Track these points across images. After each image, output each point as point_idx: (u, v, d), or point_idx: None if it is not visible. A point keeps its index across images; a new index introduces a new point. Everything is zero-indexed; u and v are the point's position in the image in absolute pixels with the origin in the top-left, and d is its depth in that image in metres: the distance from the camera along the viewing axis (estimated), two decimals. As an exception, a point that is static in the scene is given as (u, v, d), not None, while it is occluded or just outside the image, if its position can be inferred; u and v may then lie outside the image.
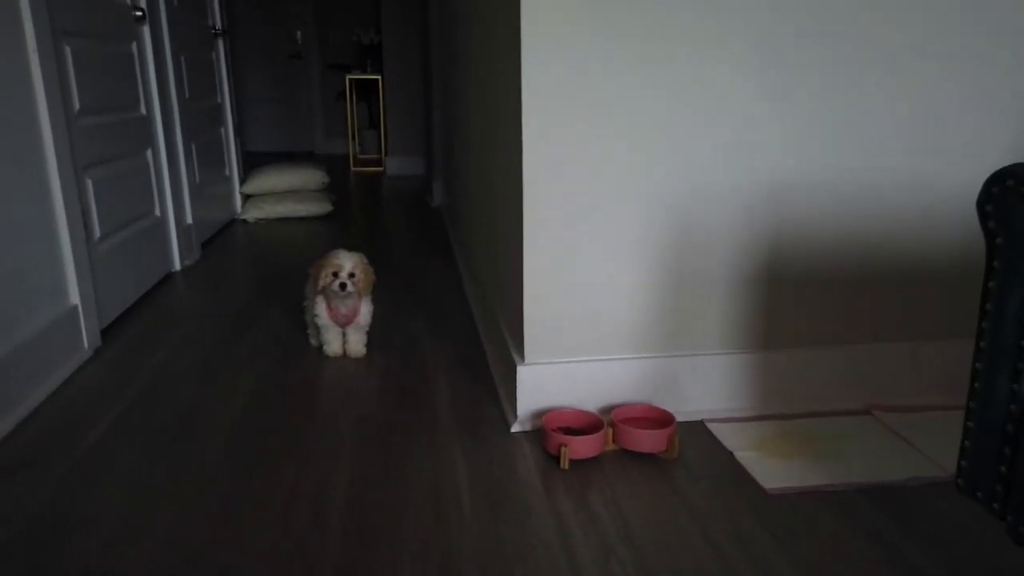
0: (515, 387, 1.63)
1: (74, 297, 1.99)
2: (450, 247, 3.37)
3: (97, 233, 2.18)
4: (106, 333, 2.19)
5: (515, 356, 1.66)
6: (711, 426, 1.63)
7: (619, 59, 1.48)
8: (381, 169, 6.04)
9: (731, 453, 1.53)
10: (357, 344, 2.05)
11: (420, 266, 3.04)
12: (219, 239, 3.51)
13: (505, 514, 1.32)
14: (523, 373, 1.62)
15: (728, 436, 1.59)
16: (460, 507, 1.34)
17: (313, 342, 2.12)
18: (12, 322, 1.70)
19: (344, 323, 2.03)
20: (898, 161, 1.62)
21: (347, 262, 1.95)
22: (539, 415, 1.62)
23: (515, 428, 1.64)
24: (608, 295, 1.61)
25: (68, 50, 2.05)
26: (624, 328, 1.64)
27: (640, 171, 1.55)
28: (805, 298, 1.68)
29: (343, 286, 1.92)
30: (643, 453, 1.52)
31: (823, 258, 1.66)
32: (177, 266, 2.91)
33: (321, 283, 1.95)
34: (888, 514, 1.32)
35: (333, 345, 2.04)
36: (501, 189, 1.87)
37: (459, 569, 1.18)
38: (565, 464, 1.47)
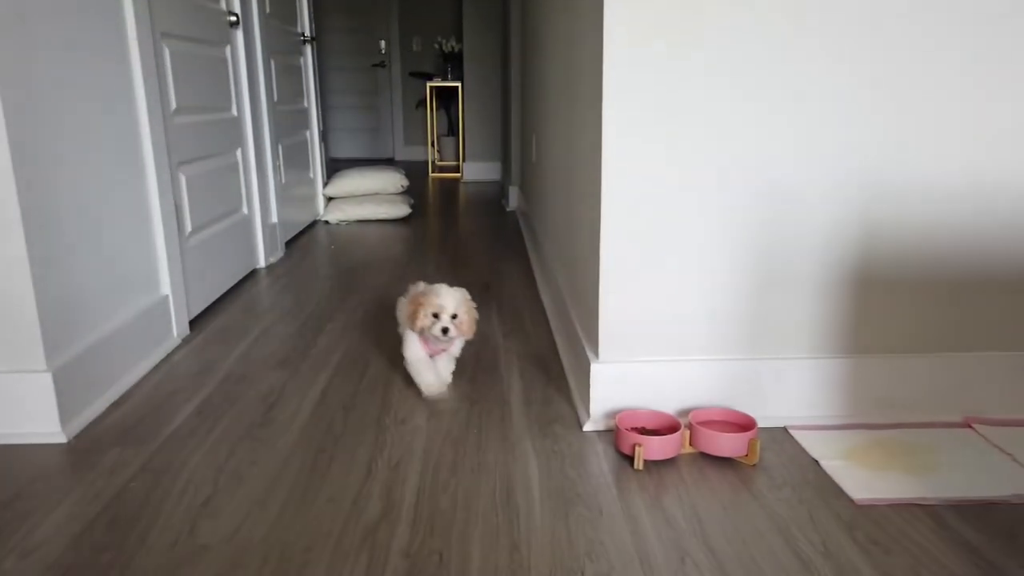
0: (589, 385, 1.61)
1: (165, 287, 2.07)
2: (525, 249, 3.37)
3: (188, 227, 2.27)
4: (194, 323, 2.28)
5: (589, 354, 1.64)
6: (795, 433, 1.56)
7: (701, 48, 1.44)
8: (459, 175, 6.11)
9: (816, 461, 1.46)
10: (445, 371, 1.83)
11: (495, 266, 3.05)
12: (302, 239, 3.61)
13: (577, 511, 1.30)
14: (597, 371, 1.59)
15: (813, 444, 1.52)
16: (531, 502, 1.32)
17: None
18: (108, 308, 1.78)
19: (435, 354, 1.83)
20: (1005, 160, 1.52)
21: (450, 302, 1.71)
22: (613, 415, 1.59)
23: (588, 427, 1.61)
24: (687, 294, 1.57)
25: (167, 51, 2.15)
26: (704, 328, 1.59)
27: (724, 166, 1.50)
28: (899, 302, 1.59)
29: (445, 331, 1.70)
30: (722, 457, 1.47)
31: (920, 260, 1.57)
32: (262, 263, 3.00)
33: (419, 324, 1.72)
34: (988, 531, 1.23)
35: (427, 378, 1.77)
36: (579, 188, 1.85)
37: (528, 562, 1.16)
38: (639, 464, 1.43)
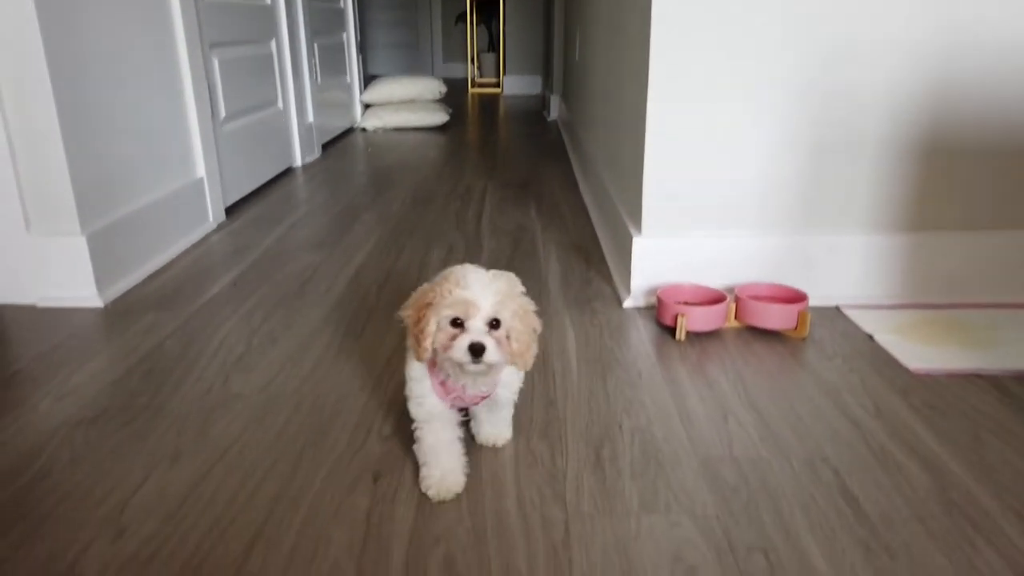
0: (630, 262, 1.54)
1: (200, 170, 2.05)
2: (566, 154, 3.27)
3: (222, 112, 2.23)
4: (229, 211, 2.26)
5: (632, 229, 1.57)
6: (847, 312, 1.49)
7: None
8: (498, 90, 5.97)
9: (870, 336, 1.38)
10: (497, 428, 1.04)
11: (534, 168, 2.97)
12: (339, 143, 3.56)
13: (615, 374, 1.25)
14: (639, 245, 1.53)
15: (867, 320, 1.44)
16: (568, 366, 1.29)
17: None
18: (143, 182, 1.76)
19: (465, 404, 0.99)
20: (1098, 11, 1.38)
21: (486, 296, 0.87)
22: (654, 291, 1.52)
23: (628, 303, 1.55)
24: (737, 164, 1.48)
25: (196, -75, 2.07)
26: (753, 201, 1.51)
27: (780, 21, 1.39)
28: (967, 174, 1.48)
29: (478, 352, 0.85)
30: (769, 331, 1.41)
31: (994, 129, 1.45)
32: (298, 162, 2.97)
33: (426, 342, 0.88)
34: (1057, 401, 1.15)
35: (438, 466, 0.94)
36: (625, 65, 1.75)
37: (564, 415, 1.12)
38: (681, 336, 1.38)
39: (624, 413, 1.13)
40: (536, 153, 3.31)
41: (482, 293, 0.86)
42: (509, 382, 0.99)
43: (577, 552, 0.84)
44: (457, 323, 0.87)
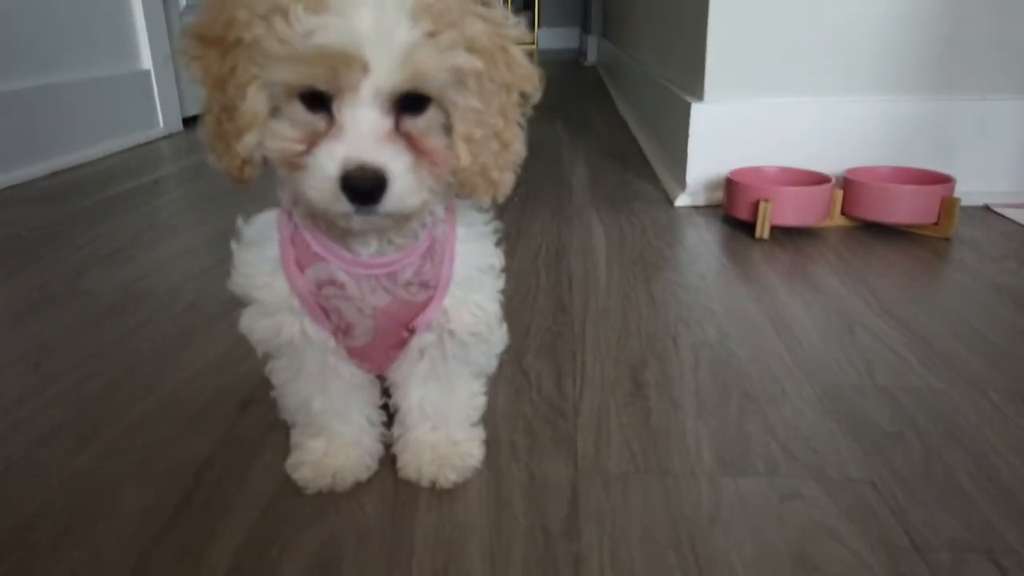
0: (685, 144, 1.10)
1: (145, 60, 1.65)
2: (603, 89, 2.82)
3: (183, 1, 1.83)
4: (191, 122, 1.86)
5: (688, 96, 1.12)
6: (1003, 211, 1.02)
7: None
8: (533, 46, 5.52)
9: (1050, 233, 0.92)
10: (444, 423, 0.47)
11: (569, 98, 2.52)
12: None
13: (663, 277, 0.82)
14: (700, 114, 1.08)
15: (1038, 217, 0.98)
16: (592, 265, 0.85)
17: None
18: (50, 57, 1.37)
19: (379, 363, 0.48)
20: None
21: (385, 33, 0.34)
22: (717, 185, 1.08)
23: (681, 201, 1.11)
24: (844, -5, 1.03)
25: None
26: (866, 49, 1.05)
27: None
28: None
29: (363, 190, 0.35)
30: (894, 228, 0.95)
31: None
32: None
33: (244, 143, 0.36)
34: None
35: (309, 448, 0.46)
36: None
37: (581, 323, 0.69)
38: (763, 232, 0.93)
39: (680, 322, 0.69)
40: (571, 88, 2.87)
41: (376, 22, 0.34)
42: (476, 285, 0.44)
43: (587, 547, 0.41)
44: (319, 100, 0.35)
